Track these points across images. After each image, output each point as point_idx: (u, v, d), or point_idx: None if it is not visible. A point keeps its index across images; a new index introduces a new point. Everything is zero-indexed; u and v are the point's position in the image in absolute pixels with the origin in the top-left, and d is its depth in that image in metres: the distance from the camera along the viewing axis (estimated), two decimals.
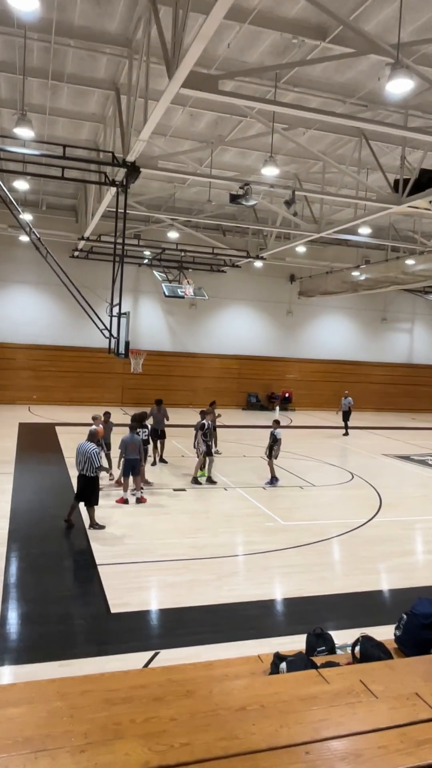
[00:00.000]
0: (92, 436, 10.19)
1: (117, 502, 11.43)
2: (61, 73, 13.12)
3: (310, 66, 11.78)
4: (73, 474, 13.46)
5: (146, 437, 12.88)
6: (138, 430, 12.16)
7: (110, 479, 12.80)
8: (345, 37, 10.32)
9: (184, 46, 8.33)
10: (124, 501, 11.49)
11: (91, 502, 9.91)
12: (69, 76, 13.30)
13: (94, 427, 10.99)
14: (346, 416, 22.54)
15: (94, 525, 9.86)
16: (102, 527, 9.86)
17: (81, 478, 9.91)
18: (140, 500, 11.56)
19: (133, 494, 11.71)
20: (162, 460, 15.28)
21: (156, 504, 11.63)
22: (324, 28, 10.50)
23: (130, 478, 11.69)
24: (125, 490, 11.71)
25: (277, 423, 13.79)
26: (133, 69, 11.91)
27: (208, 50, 10.74)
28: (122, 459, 11.70)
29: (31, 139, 13.05)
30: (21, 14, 10.35)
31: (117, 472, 12.47)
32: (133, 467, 11.58)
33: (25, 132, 12.04)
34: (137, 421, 12.50)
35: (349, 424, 22.75)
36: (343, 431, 22.41)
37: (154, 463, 14.93)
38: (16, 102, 13.81)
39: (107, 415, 13.99)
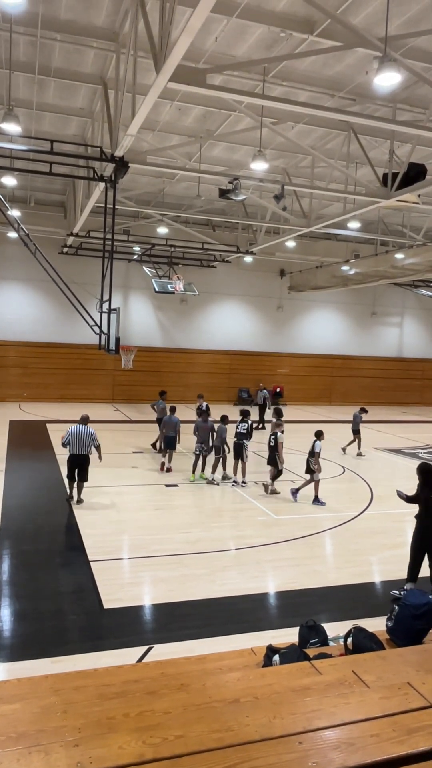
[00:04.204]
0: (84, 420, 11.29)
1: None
2: (47, 67, 13.02)
3: (298, 60, 11.76)
4: (65, 470, 13.48)
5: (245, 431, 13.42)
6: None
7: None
8: (333, 30, 10.32)
9: (171, 39, 8.29)
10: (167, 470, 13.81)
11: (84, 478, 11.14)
12: (56, 71, 13.20)
13: None
14: (261, 410, 22.04)
15: (80, 500, 11.04)
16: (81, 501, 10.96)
17: (80, 458, 10.95)
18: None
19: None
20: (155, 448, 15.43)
21: (148, 499, 11.63)
22: (312, 21, 10.48)
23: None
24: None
25: (278, 424, 12.69)
26: (121, 63, 11.83)
27: (196, 44, 10.70)
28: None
29: (18, 135, 12.94)
30: (6, 7, 10.24)
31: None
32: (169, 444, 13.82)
33: (11, 127, 11.92)
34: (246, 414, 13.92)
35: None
36: (258, 424, 21.26)
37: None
38: (2, 97, 13.68)
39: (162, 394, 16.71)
